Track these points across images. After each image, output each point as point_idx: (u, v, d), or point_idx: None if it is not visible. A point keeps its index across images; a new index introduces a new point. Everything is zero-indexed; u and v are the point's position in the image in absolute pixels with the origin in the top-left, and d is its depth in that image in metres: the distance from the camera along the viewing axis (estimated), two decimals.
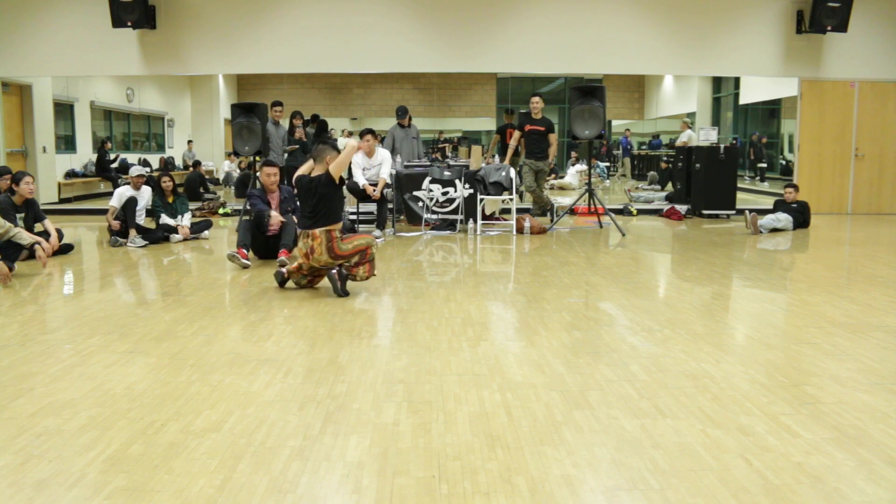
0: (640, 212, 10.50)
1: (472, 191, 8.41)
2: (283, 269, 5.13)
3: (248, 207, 6.52)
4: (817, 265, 6.20)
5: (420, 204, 8.54)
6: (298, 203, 5.03)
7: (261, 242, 6.24)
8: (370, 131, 8.13)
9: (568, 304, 4.58)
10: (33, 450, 2.40)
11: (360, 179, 7.96)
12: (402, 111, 9.52)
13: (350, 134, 16.36)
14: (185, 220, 7.68)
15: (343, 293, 4.81)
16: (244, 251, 5.95)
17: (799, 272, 5.99)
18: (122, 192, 7.46)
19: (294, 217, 6.24)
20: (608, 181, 17.48)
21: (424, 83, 18.15)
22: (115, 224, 7.23)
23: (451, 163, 9.43)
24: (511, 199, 8.40)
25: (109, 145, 13.55)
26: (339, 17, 9.97)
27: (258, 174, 6.97)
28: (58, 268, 6.03)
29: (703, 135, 10.40)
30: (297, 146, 9.90)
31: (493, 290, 5.08)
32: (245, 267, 5.88)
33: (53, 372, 3.21)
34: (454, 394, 2.93)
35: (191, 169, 13.73)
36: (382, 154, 8.10)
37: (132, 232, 7.22)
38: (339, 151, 4.98)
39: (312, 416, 2.69)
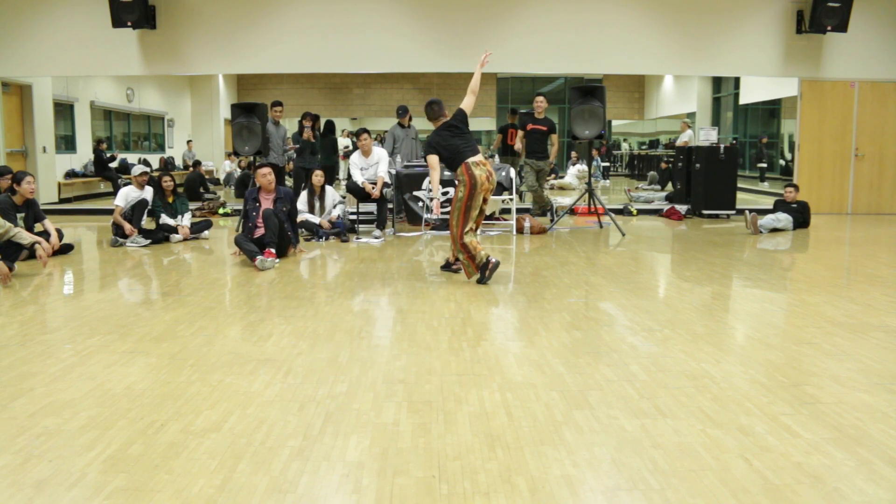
0: (640, 212, 10.51)
1: None
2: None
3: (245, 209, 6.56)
4: (817, 265, 6.20)
5: (420, 204, 8.54)
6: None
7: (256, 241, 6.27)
8: (365, 131, 8.15)
9: (568, 304, 4.58)
10: (33, 450, 2.40)
11: (359, 178, 7.97)
12: (402, 111, 9.52)
13: (350, 134, 16.36)
14: (185, 220, 7.68)
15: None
16: (270, 251, 6.00)
17: (799, 272, 5.99)
18: (127, 192, 7.47)
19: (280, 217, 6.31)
20: (607, 181, 17.49)
21: (424, 83, 18.11)
22: (129, 227, 7.19)
23: None
24: (511, 199, 8.40)
25: (105, 145, 13.53)
26: (339, 17, 9.97)
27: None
28: (58, 268, 6.03)
29: (704, 135, 10.39)
30: (297, 146, 9.90)
31: (493, 290, 5.08)
32: (270, 267, 5.91)
33: (53, 372, 3.21)
34: (454, 394, 2.93)
35: (191, 169, 13.74)
36: (379, 153, 8.12)
37: (133, 231, 7.22)
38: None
39: (312, 416, 2.69)
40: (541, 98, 8.90)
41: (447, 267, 5.69)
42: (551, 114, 10.35)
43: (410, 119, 9.75)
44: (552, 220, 8.90)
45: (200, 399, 2.87)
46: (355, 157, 8.14)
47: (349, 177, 8.25)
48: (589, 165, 9.68)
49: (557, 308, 4.47)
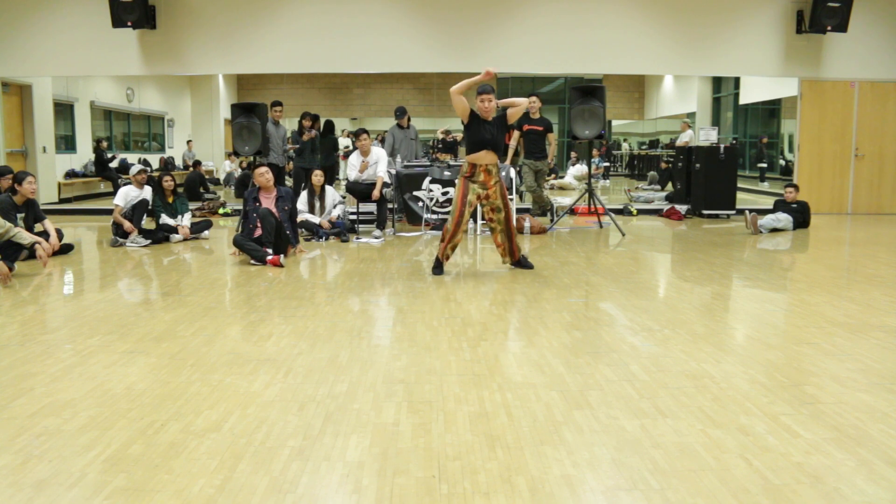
0: (640, 212, 10.51)
1: None
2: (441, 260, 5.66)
3: (245, 209, 6.55)
4: (817, 265, 6.20)
5: (420, 204, 8.54)
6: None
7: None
8: (364, 131, 8.17)
9: (568, 304, 4.58)
10: (33, 450, 2.40)
11: (352, 174, 8.05)
12: (400, 112, 9.53)
13: (350, 134, 16.36)
14: (185, 220, 7.68)
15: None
16: (276, 258, 5.96)
17: (799, 272, 5.99)
18: (127, 192, 7.47)
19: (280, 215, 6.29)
20: (607, 181, 17.49)
21: (424, 83, 18.12)
22: (128, 224, 7.19)
23: (451, 163, 9.44)
24: (511, 199, 8.39)
25: (105, 144, 13.54)
26: (339, 17, 9.97)
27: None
28: (58, 268, 6.03)
29: (704, 135, 10.39)
30: (297, 146, 9.89)
31: (493, 290, 5.08)
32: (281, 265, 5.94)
33: (53, 372, 3.21)
34: (454, 394, 2.93)
35: (191, 169, 13.74)
36: (378, 153, 8.13)
37: (133, 229, 7.22)
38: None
39: (312, 416, 2.69)
40: (533, 98, 8.88)
41: (520, 262, 5.85)
42: (552, 114, 10.35)
43: (409, 120, 9.75)
44: (552, 220, 8.90)
45: (200, 399, 2.87)
46: (354, 158, 8.15)
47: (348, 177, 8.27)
48: (589, 166, 9.68)
49: (557, 308, 4.47)
